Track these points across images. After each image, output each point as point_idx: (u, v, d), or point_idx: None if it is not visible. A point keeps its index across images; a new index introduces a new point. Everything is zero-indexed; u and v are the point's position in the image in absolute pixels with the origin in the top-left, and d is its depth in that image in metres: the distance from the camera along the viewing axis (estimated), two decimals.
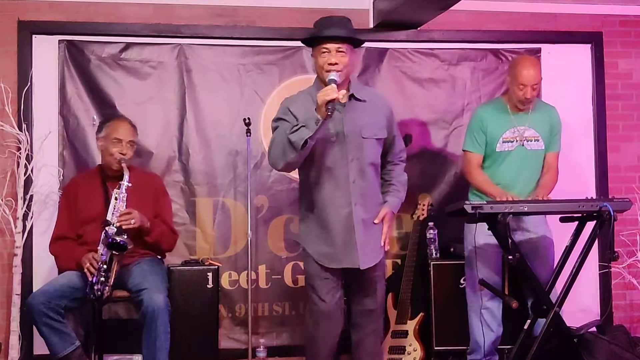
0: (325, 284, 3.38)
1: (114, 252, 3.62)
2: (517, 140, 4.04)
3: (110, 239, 3.60)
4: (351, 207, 3.32)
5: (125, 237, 3.62)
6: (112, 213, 3.70)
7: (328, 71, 3.26)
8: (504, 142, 4.05)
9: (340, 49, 3.28)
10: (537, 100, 4.17)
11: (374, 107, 3.43)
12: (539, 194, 3.94)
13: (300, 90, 3.52)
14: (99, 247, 3.67)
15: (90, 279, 3.63)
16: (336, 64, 3.26)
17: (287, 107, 3.36)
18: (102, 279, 3.61)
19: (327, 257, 3.37)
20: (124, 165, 3.79)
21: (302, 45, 3.53)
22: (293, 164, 3.28)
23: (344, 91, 3.24)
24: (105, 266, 3.62)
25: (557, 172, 4.12)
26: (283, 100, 3.47)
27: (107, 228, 3.64)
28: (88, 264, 3.64)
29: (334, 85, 3.17)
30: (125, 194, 3.73)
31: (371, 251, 3.38)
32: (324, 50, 3.28)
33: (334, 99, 3.10)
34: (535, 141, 4.06)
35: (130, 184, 3.75)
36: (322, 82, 3.35)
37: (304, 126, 3.15)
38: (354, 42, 3.36)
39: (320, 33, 3.31)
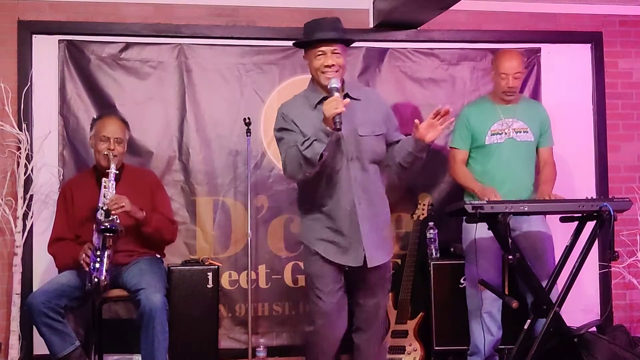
0: (326, 283, 3.36)
1: (106, 235, 3.61)
2: (505, 133, 4.08)
3: (101, 226, 3.61)
4: (355, 206, 3.30)
5: (117, 220, 3.61)
6: (102, 201, 3.70)
7: (324, 73, 3.28)
8: (492, 134, 4.08)
9: (335, 51, 3.30)
10: (523, 96, 4.29)
11: (369, 104, 3.43)
12: (544, 190, 3.98)
13: (295, 94, 3.51)
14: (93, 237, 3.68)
15: (86, 269, 3.62)
16: (333, 65, 3.28)
17: (287, 115, 3.36)
18: (97, 265, 3.61)
19: (332, 252, 3.33)
20: (111, 159, 3.79)
21: None
22: (310, 175, 3.28)
23: (347, 100, 3.23)
24: (99, 252, 3.62)
25: (554, 165, 4.18)
26: (279, 106, 3.46)
27: (97, 214, 3.64)
28: (83, 255, 3.65)
29: (338, 95, 3.17)
30: (114, 182, 3.72)
31: (378, 249, 3.36)
32: (320, 52, 3.30)
33: (341, 112, 3.10)
34: (524, 132, 4.10)
35: (117, 172, 3.75)
36: (317, 84, 3.37)
37: (315, 140, 3.15)
38: (347, 42, 3.39)
39: (314, 36, 3.31)
